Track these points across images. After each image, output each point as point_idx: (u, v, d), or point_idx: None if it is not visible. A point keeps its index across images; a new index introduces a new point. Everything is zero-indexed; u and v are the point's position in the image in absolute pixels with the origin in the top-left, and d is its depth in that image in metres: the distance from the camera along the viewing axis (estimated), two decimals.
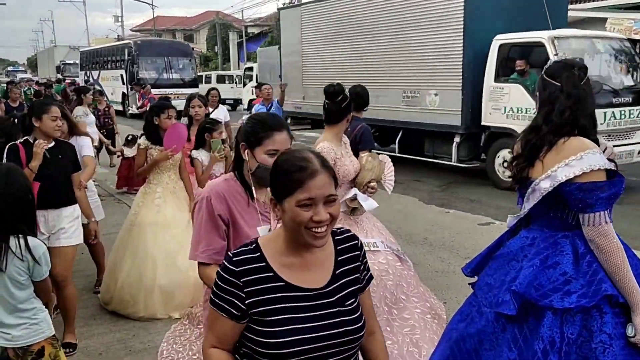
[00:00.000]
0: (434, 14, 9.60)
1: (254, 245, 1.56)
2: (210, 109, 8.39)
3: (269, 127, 2.09)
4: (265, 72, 23.29)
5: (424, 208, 7.78)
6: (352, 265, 1.62)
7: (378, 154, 3.99)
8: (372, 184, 3.54)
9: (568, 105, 2.08)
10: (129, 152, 9.02)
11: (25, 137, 3.75)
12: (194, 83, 24.46)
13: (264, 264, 1.52)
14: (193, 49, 29.55)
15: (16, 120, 5.34)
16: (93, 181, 8.90)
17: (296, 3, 33.40)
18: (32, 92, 16.47)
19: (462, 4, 9.03)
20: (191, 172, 4.93)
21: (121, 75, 24.99)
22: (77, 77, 32.44)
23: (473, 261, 2.42)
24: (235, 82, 28.03)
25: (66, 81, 26.08)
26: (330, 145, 3.40)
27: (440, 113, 9.55)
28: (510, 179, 2.33)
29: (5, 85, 20.33)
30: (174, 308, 4.27)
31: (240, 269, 1.49)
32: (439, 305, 3.77)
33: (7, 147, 3.66)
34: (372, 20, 10.93)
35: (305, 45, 13.02)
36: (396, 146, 10.70)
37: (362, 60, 11.25)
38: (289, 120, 12.55)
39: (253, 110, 8.81)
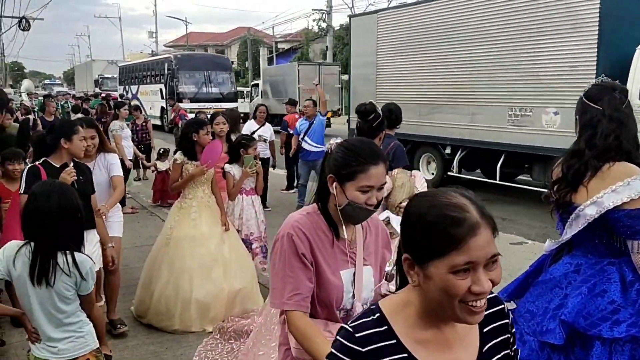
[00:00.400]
0: (559, 18, 7.99)
1: (377, 315, 1.19)
2: (257, 125, 8.46)
3: (364, 159, 1.77)
4: (279, 88, 24.55)
5: None
6: (501, 338, 1.27)
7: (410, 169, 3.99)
8: (404, 204, 3.53)
9: (611, 129, 2.05)
10: (162, 165, 9.17)
11: (44, 159, 3.58)
12: (233, 98, 24.34)
13: (394, 341, 1.17)
14: (233, 62, 29.48)
15: None
16: (127, 194, 9.09)
17: (325, 19, 33.85)
18: (70, 105, 16.92)
19: (598, 5, 7.51)
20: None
21: (160, 89, 24.81)
22: (115, 91, 32.63)
23: (510, 285, 2.38)
24: (244, 97, 28.48)
25: (101, 95, 26.53)
26: None
27: (560, 135, 7.81)
28: None
29: (42, 98, 21.01)
30: (208, 321, 4.32)
31: (367, 349, 1.15)
32: None
33: (27, 168, 3.55)
34: (471, 26, 9.36)
35: (381, 56, 11.58)
36: (497, 172, 9.31)
37: (454, 73, 9.77)
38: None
39: (297, 127, 8.69)
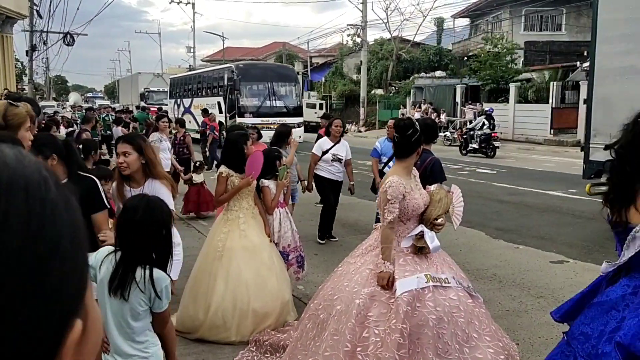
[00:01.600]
0: None
1: None
2: (331, 143, 7.25)
3: None
4: None
5: (491, 242, 7.56)
6: None
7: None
8: (439, 220, 3.49)
9: None
10: (198, 178, 9.26)
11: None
12: (299, 111, 21.87)
13: None
14: (299, 73, 27.59)
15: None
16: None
17: (360, 34, 34.04)
18: (111, 118, 17.37)
19: None
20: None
21: (218, 102, 22.38)
22: (163, 104, 30.92)
23: (563, 306, 2.32)
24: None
25: (152, 109, 25.38)
26: (399, 179, 3.39)
27: None
28: None
29: (84, 111, 21.63)
30: (260, 332, 4.34)
31: None
32: (511, 346, 3.63)
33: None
34: None
35: None
36: None
37: None
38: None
39: (379, 148, 7.01)
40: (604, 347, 1.94)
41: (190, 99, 26.20)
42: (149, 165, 3.50)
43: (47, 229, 0.50)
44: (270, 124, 17.48)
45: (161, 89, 35.57)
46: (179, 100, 27.93)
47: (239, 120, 19.30)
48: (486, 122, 19.29)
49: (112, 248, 2.53)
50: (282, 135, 6.80)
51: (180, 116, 23.98)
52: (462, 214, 3.74)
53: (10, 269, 0.47)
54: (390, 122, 7.06)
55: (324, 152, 7.23)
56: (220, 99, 22.27)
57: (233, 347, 4.24)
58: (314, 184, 7.47)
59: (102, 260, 2.50)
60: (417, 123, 3.62)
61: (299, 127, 20.02)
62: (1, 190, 0.48)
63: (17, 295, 0.47)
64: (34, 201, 0.50)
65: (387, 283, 3.23)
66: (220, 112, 21.63)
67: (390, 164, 6.53)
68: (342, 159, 7.34)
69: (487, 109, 21.13)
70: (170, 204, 3.42)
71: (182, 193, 9.90)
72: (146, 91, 36.54)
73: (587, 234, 7.71)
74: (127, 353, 2.47)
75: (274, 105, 21.17)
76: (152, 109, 26.98)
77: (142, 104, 33.17)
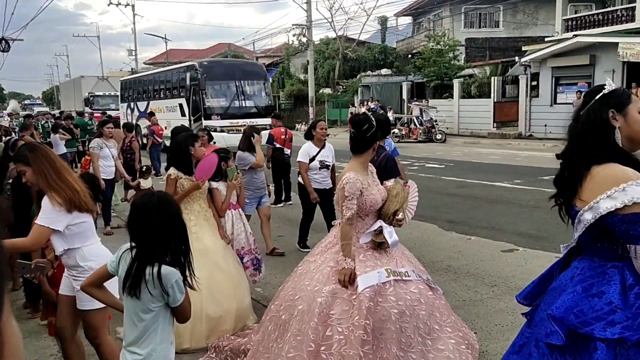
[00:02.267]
0: None
1: None
2: (317, 148, 6.65)
3: None
4: None
5: (443, 235, 7.70)
6: None
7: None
8: (399, 216, 3.50)
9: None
10: (146, 183, 8.97)
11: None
12: (271, 111, 19.03)
13: None
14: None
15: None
16: (112, 211, 8.89)
17: (305, 33, 34.07)
18: (50, 125, 16.69)
19: None
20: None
21: (180, 104, 20.55)
22: (108, 109, 29.23)
23: (525, 289, 2.39)
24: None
25: (95, 115, 24.43)
26: (356, 175, 3.39)
27: None
28: None
29: (22, 119, 20.70)
30: (217, 336, 4.23)
31: None
32: (471, 335, 3.70)
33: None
34: None
35: None
36: None
37: None
38: None
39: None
40: (552, 327, 2.01)
41: (146, 102, 24.06)
42: (43, 175, 3.16)
43: None
44: (240, 126, 16.35)
45: (107, 93, 34.00)
46: (132, 104, 25.77)
47: (205, 123, 17.94)
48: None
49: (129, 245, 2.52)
50: (249, 137, 6.60)
51: (135, 121, 23.12)
52: (415, 208, 3.78)
53: None
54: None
55: (311, 159, 6.62)
56: (183, 101, 20.40)
57: (190, 354, 4.13)
58: (297, 193, 7.15)
59: (120, 256, 2.53)
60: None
61: (270, 128, 19.45)
62: None
63: None
64: None
65: (349, 279, 3.21)
66: (183, 115, 20.08)
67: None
68: (329, 166, 6.71)
69: (372, 106, 23.92)
70: (46, 219, 3.08)
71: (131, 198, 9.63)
72: (91, 96, 34.52)
73: (534, 223, 7.96)
74: (137, 350, 2.47)
75: (243, 105, 19.52)
76: (96, 114, 25.84)
77: (87, 109, 31.61)
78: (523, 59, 22.34)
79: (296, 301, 3.33)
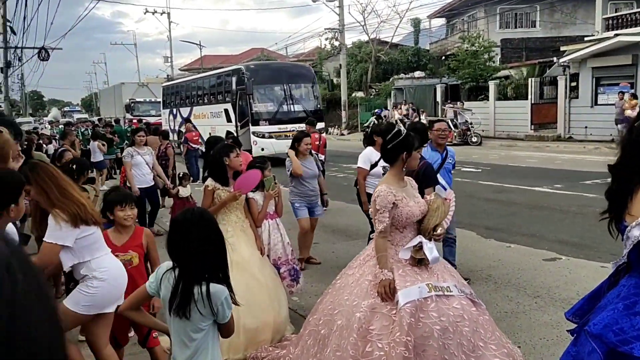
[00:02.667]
0: None
1: None
2: (379, 153, 5.44)
3: None
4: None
5: (482, 242, 7.53)
6: None
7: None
8: (438, 231, 3.42)
9: None
10: (184, 191, 8.84)
11: None
12: (319, 116, 18.31)
13: None
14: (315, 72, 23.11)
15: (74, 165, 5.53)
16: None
17: (338, 37, 34.07)
18: (89, 133, 17.08)
19: None
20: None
21: (226, 110, 19.61)
22: (150, 115, 29.67)
23: (575, 305, 2.30)
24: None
25: (134, 121, 24.59)
26: (388, 188, 3.33)
27: None
28: None
29: (62, 126, 21.26)
30: (255, 348, 4.22)
31: None
32: (516, 351, 3.58)
33: None
34: None
35: None
36: None
37: None
38: None
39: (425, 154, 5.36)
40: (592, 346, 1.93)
41: (189, 108, 23.30)
42: (45, 194, 3.15)
43: (20, 343, 0.39)
44: (289, 131, 15.83)
45: (147, 100, 33.67)
46: (174, 110, 24.95)
47: (253, 129, 17.57)
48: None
49: (171, 264, 2.47)
50: (295, 142, 6.51)
51: (178, 127, 23.08)
52: (450, 219, 3.67)
53: None
54: (440, 125, 5.73)
55: (373, 165, 6.06)
56: (228, 106, 19.38)
57: None
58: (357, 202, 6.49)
59: (162, 277, 2.47)
60: (398, 126, 3.53)
61: (320, 134, 18.46)
62: None
63: None
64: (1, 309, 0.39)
65: (389, 291, 3.14)
66: (229, 120, 19.10)
67: (440, 178, 5.34)
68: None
69: (376, 110, 22.92)
70: (53, 236, 3.09)
71: (169, 206, 9.69)
72: (132, 102, 33.86)
73: (577, 230, 7.72)
74: None
75: (292, 109, 18.33)
76: (134, 121, 26.12)
77: (128, 115, 31.30)
78: (562, 60, 21.80)
79: (335, 316, 3.28)
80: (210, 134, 17.76)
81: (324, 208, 7.04)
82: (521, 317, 4.87)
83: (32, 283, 0.43)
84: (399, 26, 37.02)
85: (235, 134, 17.10)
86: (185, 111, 23.56)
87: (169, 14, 47.01)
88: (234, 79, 18.97)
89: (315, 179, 6.60)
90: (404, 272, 3.23)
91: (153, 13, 45.97)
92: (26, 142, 8.80)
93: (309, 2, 45.25)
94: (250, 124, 17.77)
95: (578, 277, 5.76)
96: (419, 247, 3.27)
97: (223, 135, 9.46)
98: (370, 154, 6.15)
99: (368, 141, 6.47)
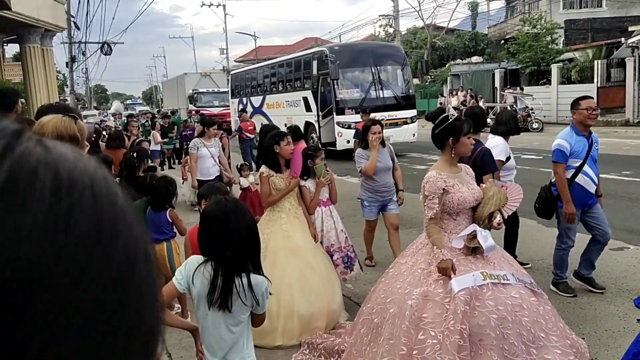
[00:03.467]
0: None
1: None
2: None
3: None
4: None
5: (543, 232, 7.24)
6: None
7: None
8: (496, 219, 3.30)
9: None
10: (244, 182, 8.33)
11: None
12: (411, 102, 16.66)
13: None
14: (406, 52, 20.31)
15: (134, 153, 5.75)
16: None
17: (392, 24, 33.63)
18: (150, 124, 17.64)
19: None
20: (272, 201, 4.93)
21: (305, 98, 17.47)
22: (212, 106, 29.25)
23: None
24: None
25: (193, 112, 23.36)
26: (437, 174, 3.28)
27: None
28: None
29: (125, 118, 22.05)
30: (310, 334, 4.24)
31: None
32: (580, 343, 3.42)
33: None
34: None
35: None
36: None
37: None
38: None
39: (563, 143, 4.97)
40: None
41: (261, 97, 21.19)
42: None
43: (121, 243, 0.37)
44: (379, 120, 14.10)
45: (210, 90, 32.67)
46: (244, 99, 22.88)
47: (337, 118, 15.60)
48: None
49: (201, 258, 2.40)
50: (363, 132, 5.85)
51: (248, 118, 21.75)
52: (515, 208, 3.53)
53: (73, 300, 0.33)
54: (588, 102, 4.74)
55: (507, 158, 5.49)
56: (308, 94, 17.25)
57: (284, 350, 4.15)
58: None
59: (193, 272, 2.37)
60: (448, 111, 3.49)
61: (412, 122, 16.17)
62: (61, 187, 0.35)
63: (85, 335, 0.34)
64: (104, 206, 0.37)
65: (452, 270, 3.06)
66: (308, 110, 17.15)
67: (587, 169, 4.83)
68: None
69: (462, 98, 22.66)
70: None
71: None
72: (195, 93, 32.49)
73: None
74: None
75: (380, 96, 16.06)
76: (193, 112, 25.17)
77: (191, 107, 30.16)
78: (630, 40, 20.62)
79: (388, 304, 3.22)
80: (285, 125, 15.41)
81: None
82: (586, 308, 4.65)
83: (129, 204, 0.41)
84: (456, 10, 36.10)
85: (317, 125, 16.46)
86: (256, 100, 21.53)
87: (224, 6, 47.81)
88: (314, 63, 16.86)
89: (388, 172, 5.89)
90: (457, 261, 3.14)
91: (209, 6, 46.86)
92: (94, 135, 9.05)
93: None
94: (334, 113, 15.82)
95: None
96: (472, 236, 3.16)
97: (302, 126, 9.38)
98: (505, 145, 5.54)
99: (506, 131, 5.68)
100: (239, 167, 9.38)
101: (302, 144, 6.55)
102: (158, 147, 14.23)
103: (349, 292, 5.29)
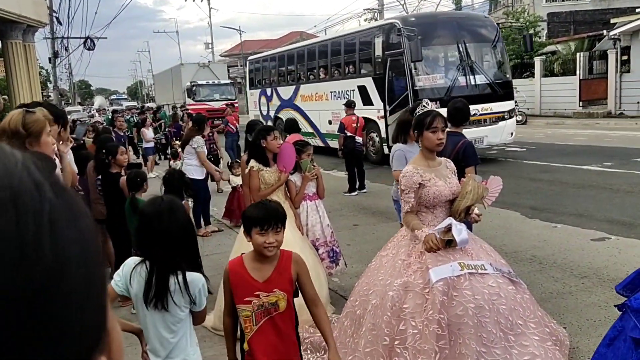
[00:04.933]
0: None
1: None
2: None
3: None
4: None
5: (527, 223, 7.35)
6: None
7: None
8: (474, 212, 3.36)
9: None
10: (237, 180, 7.96)
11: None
12: (509, 91, 12.80)
13: None
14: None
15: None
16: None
17: (377, 17, 33.61)
18: (135, 119, 17.50)
19: None
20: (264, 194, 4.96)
21: (362, 87, 13.29)
22: (213, 100, 26.73)
23: (625, 279, 2.24)
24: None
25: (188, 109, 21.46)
26: (413, 168, 3.36)
27: None
28: None
29: (110, 114, 21.87)
30: (300, 326, 4.25)
31: None
32: (560, 331, 3.49)
33: None
34: None
35: None
36: None
37: None
38: None
39: None
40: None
41: (292, 87, 16.90)
42: None
43: (47, 259, 0.38)
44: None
45: (211, 82, 29.64)
46: (269, 90, 18.42)
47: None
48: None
49: (137, 259, 2.40)
50: (404, 126, 5.00)
51: (274, 113, 17.82)
52: (494, 198, 3.59)
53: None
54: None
55: None
56: (367, 81, 13.13)
57: None
58: None
59: (130, 273, 2.37)
60: (422, 105, 3.56)
61: (509, 117, 12.55)
62: None
63: (13, 347, 0.36)
64: (27, 221, 0.38)
65: (437, 241, 3.14)
66: (367, 103, 12.99)
67: None
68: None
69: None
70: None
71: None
72: (193, 85, 28.98)
73: (627, 209, 7.42)
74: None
75: (472, 83, 12.10)
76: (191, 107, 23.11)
77: (189, 100, 27.88)
78: (612, 32, 20.85)
79: (370, 296, 3.27)
80: (330, 122, 14.32)
81: None
82: (567, 298, 4.73)
83: (65, 202, 0.42)
84: (440, 4, 36.11)
85: (383, 122, 12.39)
86: (285, 91, 17.30)
87: (209, 0, 47.42)
88: (379, 41, 12.76)
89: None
90: (435, 252, 3.19)
91: (194, 0, 46.45)
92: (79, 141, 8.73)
93: None
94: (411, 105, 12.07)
95: (628, 257, 5.55)
96: (447, 229, 3.21)
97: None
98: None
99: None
100: (229, 164, 9.35)
101: (295, 137, 6.57)
102: (151, 144, 14.13)
103: (335, 285, 5.34)
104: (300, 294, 2.67)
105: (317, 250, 5.08)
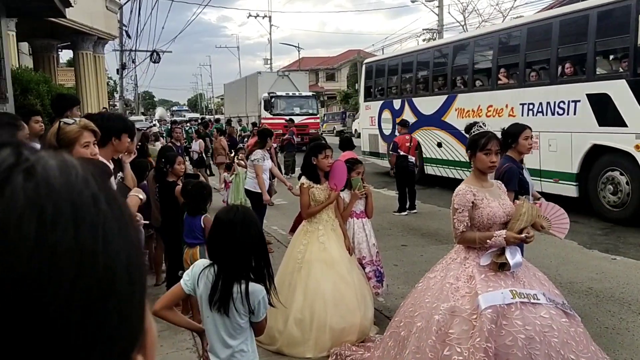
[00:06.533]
0: None
1: None
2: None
3: None
4: None
5: (584, 253, 7.05)
6: None
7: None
8: (530, 234, 3.27)
9: None
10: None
11: None
12: None
13: None
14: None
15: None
16: None
17: (436, 38, 33.31)
18: (193, 130, 18.00)
19: None
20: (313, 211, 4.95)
21: (597, 97, 8.47)
22: (293, 114, 22.45)
23: None
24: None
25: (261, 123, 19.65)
26: (467, 187, 3.32)
27: None
28: None
29: (170, 125, 22.61)
30: (340, 345, 4.25)
31: None
32: None
33: None
34: None
35: None
36: None
37: None
38: None
39: None
40: None
41: (441, 98, 12.35)
42: None
43: (100, 269, 0.41)
44: None
45: (291, 93, 26.69)
46: (397, 102, 14.03)
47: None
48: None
49: (207, 262, 2.51)
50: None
51: (408, 133, 10.35)
52: (567, 227, 3.54)
53: (59, 322, 0.39)
54: None
55: None
56: (612, 86, 8.28)
57: None
58: None
59: (199, 274, 2.48)
60: (479, 126, 3.50)
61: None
62: (46, 225, 0.40)
63: (68, 351, 0.40)
64: (85, 234, 0.41)
65: (517, 236, 3.13)
66: (609, 122, 8.30)
67: None
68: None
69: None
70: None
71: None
72: (272, 97, 25.80)
73: None
74: None
75: None
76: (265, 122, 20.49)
77: (266, 113, 25.37)
78: None
79: (415, 318, 3.22)
80: (550, 145, 9.40)
81: None
82: (623, 334, 4.50)
83: (116, 213, 0.44)
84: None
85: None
86: (426, 104, 12.90)
87: (270, 17, 48.47)
88: None
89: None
90: (486, 277, 3.11)
91: (255, 17, 47.62)
92: (139, 143, 9.03)
93: (408, 2, 44.81)
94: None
95: None
96: (500, 252, 3.13)
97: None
98: None
99: None
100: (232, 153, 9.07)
101: (349, 154, 6.48)
102: (195, 156, 14.38)
103: (380, 305, 5.28)
104: None
105: (364, 268, 5.06)
